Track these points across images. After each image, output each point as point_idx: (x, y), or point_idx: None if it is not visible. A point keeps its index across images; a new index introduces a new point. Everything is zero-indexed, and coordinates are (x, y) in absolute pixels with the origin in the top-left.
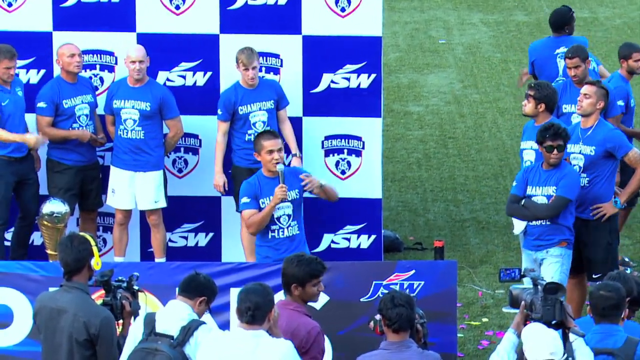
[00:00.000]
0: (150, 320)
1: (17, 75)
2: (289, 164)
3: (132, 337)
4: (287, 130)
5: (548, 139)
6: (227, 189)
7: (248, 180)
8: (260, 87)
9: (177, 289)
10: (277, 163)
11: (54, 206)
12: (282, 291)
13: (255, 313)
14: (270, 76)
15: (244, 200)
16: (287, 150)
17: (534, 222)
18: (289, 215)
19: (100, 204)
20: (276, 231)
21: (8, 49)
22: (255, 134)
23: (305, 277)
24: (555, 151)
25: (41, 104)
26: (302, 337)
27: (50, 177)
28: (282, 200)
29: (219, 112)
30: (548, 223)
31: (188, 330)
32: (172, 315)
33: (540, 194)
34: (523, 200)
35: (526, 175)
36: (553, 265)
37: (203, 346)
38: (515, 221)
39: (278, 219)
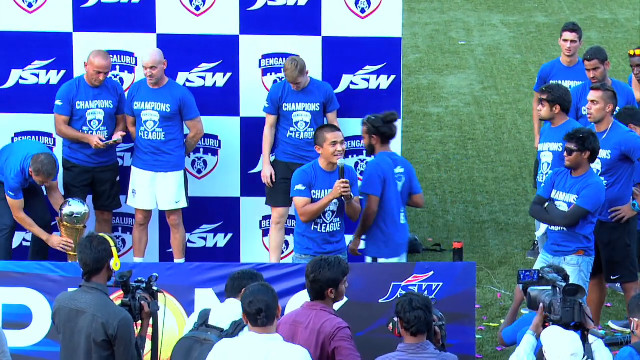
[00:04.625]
0: (204, 314)
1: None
2: None
3: (185, 329)
4: None
5: (565, 141)
6: (274, 180)
7: (304, 169)
8: (309, 88)
9: (225, 292)
10: (339, 156)
11: (73, 207)
12: (301, 292)
13: (268, 314)
14: None
15: (299, 187)
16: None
17: (552, 227)
18: (333, 212)
19: (116, 205)
20: (319, 225)
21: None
22: (297, 132)
23: (339, 277)
24: (565, 153)
25: (58, 102)
26: (328, 332)
27: (63, 173)
28: (341, 196)
29: (266, 104)
30: (565, 230)
31: (239, 325)
32: (227, 311)
33: (563, 200)
34: (546, 204)
35: (554, 178)
36: (571, 274)
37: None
38: (539, 223)
39: (324, 213)
